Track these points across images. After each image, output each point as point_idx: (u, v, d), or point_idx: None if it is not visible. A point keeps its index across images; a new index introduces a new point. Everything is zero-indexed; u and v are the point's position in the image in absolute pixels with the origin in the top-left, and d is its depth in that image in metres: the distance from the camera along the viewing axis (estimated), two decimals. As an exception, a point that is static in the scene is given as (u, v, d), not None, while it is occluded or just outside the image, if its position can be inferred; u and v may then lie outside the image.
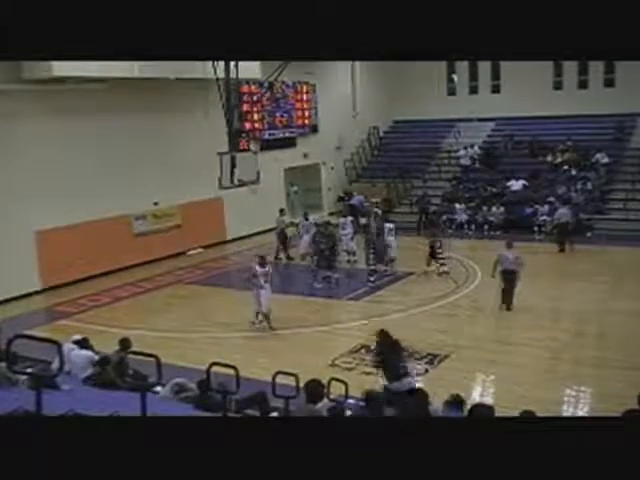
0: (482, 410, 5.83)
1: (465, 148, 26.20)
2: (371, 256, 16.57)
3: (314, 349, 12.25)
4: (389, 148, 28.63)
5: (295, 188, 25.46)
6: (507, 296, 13.78)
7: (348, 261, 18.27)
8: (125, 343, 9.25)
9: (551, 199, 22.04)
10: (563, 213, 19.72)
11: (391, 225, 17.29)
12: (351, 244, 18.56)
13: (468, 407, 6.38)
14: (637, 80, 24.05)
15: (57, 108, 16.63)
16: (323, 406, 6.74)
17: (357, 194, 24.74)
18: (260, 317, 13.39)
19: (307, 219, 18.83)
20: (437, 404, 6.70)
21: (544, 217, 21.31)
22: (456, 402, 6.43)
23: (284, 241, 19.36)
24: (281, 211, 20.04)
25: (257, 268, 13.30)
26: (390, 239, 16.95)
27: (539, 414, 5.73)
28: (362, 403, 6.88)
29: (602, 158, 23.55)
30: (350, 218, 19.61)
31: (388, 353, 8.76)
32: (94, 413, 3.69)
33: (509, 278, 13.70)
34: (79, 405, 5.05)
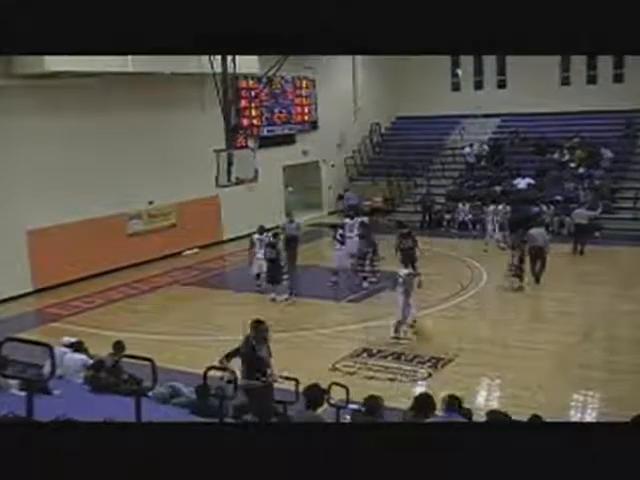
0: (497, 417, 5.76)
1: (464, 147, 25.97)
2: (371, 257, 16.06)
3: (314, 352, 12.07)
4: (391, 145, 28.32)
5: (290, 188, 25.03)
6: (538, 271, 15.32)
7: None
8: (119, 346, 9.05)
9: (558, 198, 21.80)
10: (580, 213, 19.34)
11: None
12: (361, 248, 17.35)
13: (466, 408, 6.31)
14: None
15: (50, 104, 16.39)
16: (323, 412, 6.58)
17: (350, 192, 24.44)
18: (404, 329, 12.14)
19: (262, 232, 16.15)
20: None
21: (549, 216, 20.99)
22: (453, 404, 6.31)
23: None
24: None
25: (403, 272, 12.04)
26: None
27: (546, 419, 5.67)
28: (364, 409, 6.76)
29: (605, 153, 23.26)
30: (359, 219, 17.87)
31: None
32: (87, 418, 3.63)
33: (538, 254, 15.22)
34: (72, 410, 4.94)
